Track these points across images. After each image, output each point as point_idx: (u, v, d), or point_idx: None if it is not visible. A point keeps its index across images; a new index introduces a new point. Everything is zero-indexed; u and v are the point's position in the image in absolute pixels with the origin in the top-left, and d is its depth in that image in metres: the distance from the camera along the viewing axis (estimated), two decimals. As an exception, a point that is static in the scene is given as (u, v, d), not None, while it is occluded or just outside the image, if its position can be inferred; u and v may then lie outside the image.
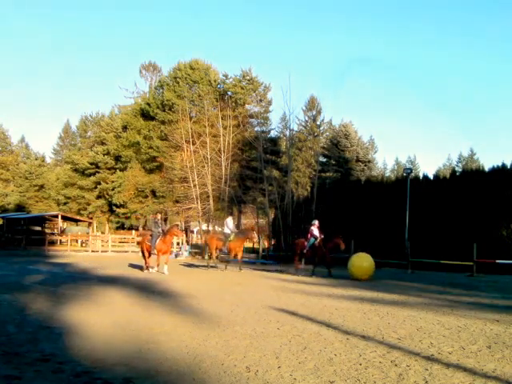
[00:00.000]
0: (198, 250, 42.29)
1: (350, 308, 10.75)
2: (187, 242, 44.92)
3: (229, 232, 23.56)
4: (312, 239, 21.05)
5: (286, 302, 11.65)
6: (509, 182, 27.00)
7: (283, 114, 50.32)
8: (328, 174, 55.19)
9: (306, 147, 53.25)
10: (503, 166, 29.05)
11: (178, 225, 22.90)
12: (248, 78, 50.90)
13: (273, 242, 44.62)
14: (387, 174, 76.44)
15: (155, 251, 20.89)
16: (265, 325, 8.53)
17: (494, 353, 6.45)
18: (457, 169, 61.40)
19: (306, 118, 58.04)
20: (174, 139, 43.10)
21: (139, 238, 23.36)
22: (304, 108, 57.42)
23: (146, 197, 54.69)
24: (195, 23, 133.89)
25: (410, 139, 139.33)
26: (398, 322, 8.94)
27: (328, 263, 20.63)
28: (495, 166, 29.78)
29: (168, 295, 12.86)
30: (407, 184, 27.71)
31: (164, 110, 52.32)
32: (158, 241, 20.82)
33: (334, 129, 62.21)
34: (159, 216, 23.77)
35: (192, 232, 56.85)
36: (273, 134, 53.67)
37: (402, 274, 20.63)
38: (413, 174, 36.30)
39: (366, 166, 62.18)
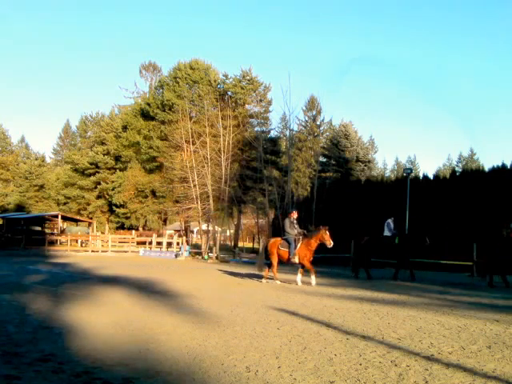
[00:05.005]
0: (199, 250, 42.43)
1: (349, 308, 10.75)
2: (187, 242, 44.94)
3: (389, 234, 20.76)
4: None
5: (286, 302, 11.66)
6: (509, 181, 27.04)
7: (283, 113, 50.19)
8: (328, 174, 55.06)
9: (306, 147, 53.17)
10: (503, 165, 29.11)
11: (327, 228, 17.41)
12: (248, 78, 50.88)
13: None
14: (387, 174, 76.63)
15: (295, 259, 17.17)
16: (265, 325, 8.54)
17: (494, 353, 6.45)
18: (457, 169, 61.49)
19: (306, 118, 57.94)
20: (173, 139, 43.08)
21: (270, 242, 18.46)
22: (304, 108, 57.35)
23: (146, 197, 54.77)
24: (195, 23, 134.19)
25: (410, 139, 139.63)
26: (398, 322, 8.94)
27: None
28: (495, 165, 29.86)
29: (168, 295, 12.86)
30: (407, 184, 27.74)
31: (164, 110, 52.35)
32: (299, 245, 17.17)
33: (334, 129, 62.13)
34: (295, 215, 18.34)
35: (192, 232, 56.84)
36: (273, 134, 53.73)
37: (402, 273, 20.60)
38: (413, 174, 36.42)
39: (366, 166, 62.17)
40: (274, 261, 17.65)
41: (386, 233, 20.81)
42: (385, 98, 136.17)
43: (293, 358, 6.22)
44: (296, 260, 17.11)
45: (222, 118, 43.41)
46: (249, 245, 59.57)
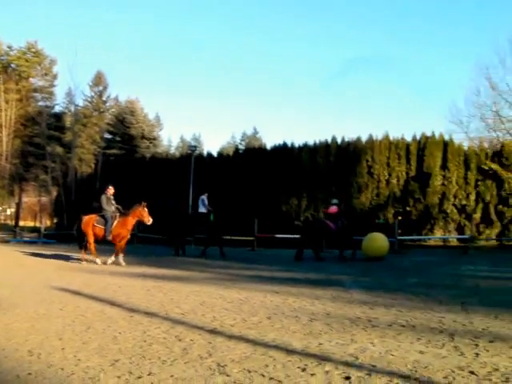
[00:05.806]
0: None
1: (133, 285, 10.73)
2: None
3: (205, 211, 20.75)
4: None
5: (68, 282, 11.37)
6: (290, 159, 28.56)
7: (69, 88, 49.37)
8: (113, 151, 54.71)
9: (91, 123, 52.40)
10: (284, 144, 30.61)
11: (145, 204, 16.70)
12: (34, 50, 49.05)
13: (55, 221, 43.84)
14: (172, 151, 77.15)
15: (110, 237, 16.52)
16: (47, 306, 8.24)
17: (273, 323, 6.72)
18: (240, 147, 63.65)
19: (93, 94, 57.02)
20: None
21: (85, 219, 17.20)
22: (90, 83, 56.41)
23: None
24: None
25: (195, 117, 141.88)
26: (182, 297, 9.05)
27: None
28: (277, 144, 31.34)
29: None
30: (191, 161, 28.25)
31: None
32: (115, 223, 16.52)
33: (120, 105, 61.71)
34: (112, 191, 17.38)
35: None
36: (57, 109, 52.50)
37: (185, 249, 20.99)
38: (198, 152, 37.18)
39: (151, 143, 62.63)
40: (91, 239, 16.75)
41: (201, 209, 20.83)
42: (172, 76, 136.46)
43: (76, 338, 6.06)
44: (110, 238, 16.52)
45: (4, 92, 41.62)
46: (31, 223, 57.60)
